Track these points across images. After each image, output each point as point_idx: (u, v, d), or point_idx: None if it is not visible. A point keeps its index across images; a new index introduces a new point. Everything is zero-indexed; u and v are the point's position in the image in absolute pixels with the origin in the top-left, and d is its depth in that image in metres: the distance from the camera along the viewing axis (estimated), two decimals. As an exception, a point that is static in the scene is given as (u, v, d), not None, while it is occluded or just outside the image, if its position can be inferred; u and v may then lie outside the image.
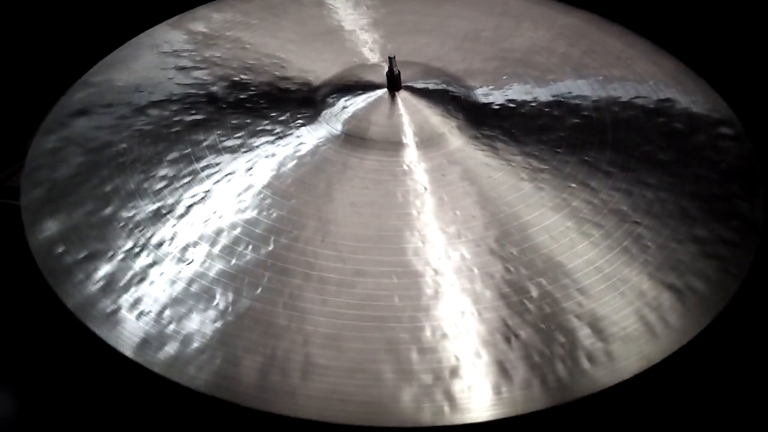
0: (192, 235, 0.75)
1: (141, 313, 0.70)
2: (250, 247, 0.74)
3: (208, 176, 0.80)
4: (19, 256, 0.77)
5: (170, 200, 0.78)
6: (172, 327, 0.69)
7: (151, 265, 0.73)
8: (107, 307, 0.71)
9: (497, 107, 0.88)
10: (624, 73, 0.95)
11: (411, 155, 0.82)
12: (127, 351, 0.68)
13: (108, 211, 0.78)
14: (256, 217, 0.76)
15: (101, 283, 0.72)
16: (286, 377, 0.66)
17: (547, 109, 0.89)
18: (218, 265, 0.73)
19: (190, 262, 0.73)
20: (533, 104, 0.89)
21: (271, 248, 0.74)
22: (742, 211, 0.81)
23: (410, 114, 0.85)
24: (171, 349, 0.68)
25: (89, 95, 0.91)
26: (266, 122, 0.86)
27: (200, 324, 0.69)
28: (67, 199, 0.80)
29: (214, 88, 0.91)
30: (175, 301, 0.71)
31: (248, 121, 0.86)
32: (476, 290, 0.71)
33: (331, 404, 0.65)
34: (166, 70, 0.93)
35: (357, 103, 0.86)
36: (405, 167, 0.81)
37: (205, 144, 0.83)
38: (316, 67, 0.93)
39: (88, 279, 0.73)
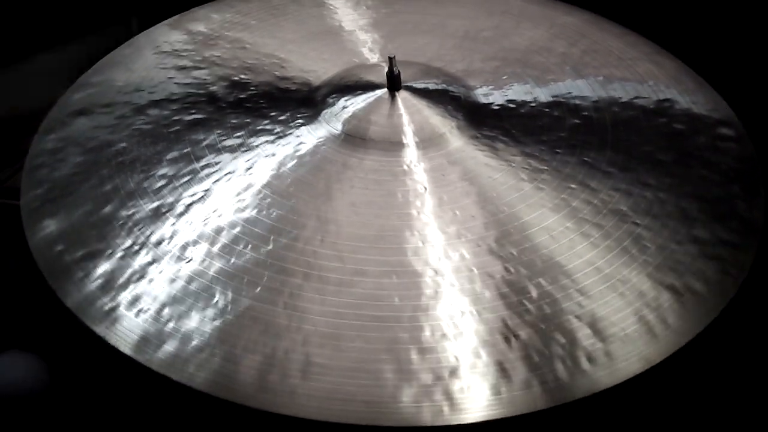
0: (191, 233, 0.75)
1: (140, 311, 0.70)
2: (250, 246, 0.74)
3: (208, 175, 0.80)
4: (18, 255, 0.77)
5: (170, 199, 0.78)
6: (171, 325, 0.69)
7: (150, 263, 0.73)
8: (106, 305, 0.71)
9: (497, 107, 0.88)
10: (624, 73, 0.94)
11: (411, 155, 0.82)
12: (126, 349, 0.68)
13: (107, 209, 0.78)
14: (255, 217, 0.76)
15: (100, 281, 0.72)
16: (286, 376, 0.66)
17: (546, 110, 0.89)
18: (218, 264, 0.73)
19: (190, 261, 0.73)
20: (533, 104, 0.89)
21: (270, 247, 0.74)
22: (741, 212, 0.81)
23: (410, 114, 0.85)
24: (170, 347, 0.68)
25: (89, 95, 0.91)
26: (266, 122, 0.85)
27: (199, 322, 0.69)
28: (66, 198, 0.79)
29: (214, 88, 0.90)
30: (174, 300, 0.71)
31: (248, 120, 0.86)
32: (476, 290, 0.71)
33: (331, 404, 0.65)
34: (166, 70, 0.93)
35: (357, 103, 0.86)
36: (405, 167, 0.81)
37: (204, 143, 0.83)
38: (316, 67, 0.93)
39: (87, 277, 0.73)
